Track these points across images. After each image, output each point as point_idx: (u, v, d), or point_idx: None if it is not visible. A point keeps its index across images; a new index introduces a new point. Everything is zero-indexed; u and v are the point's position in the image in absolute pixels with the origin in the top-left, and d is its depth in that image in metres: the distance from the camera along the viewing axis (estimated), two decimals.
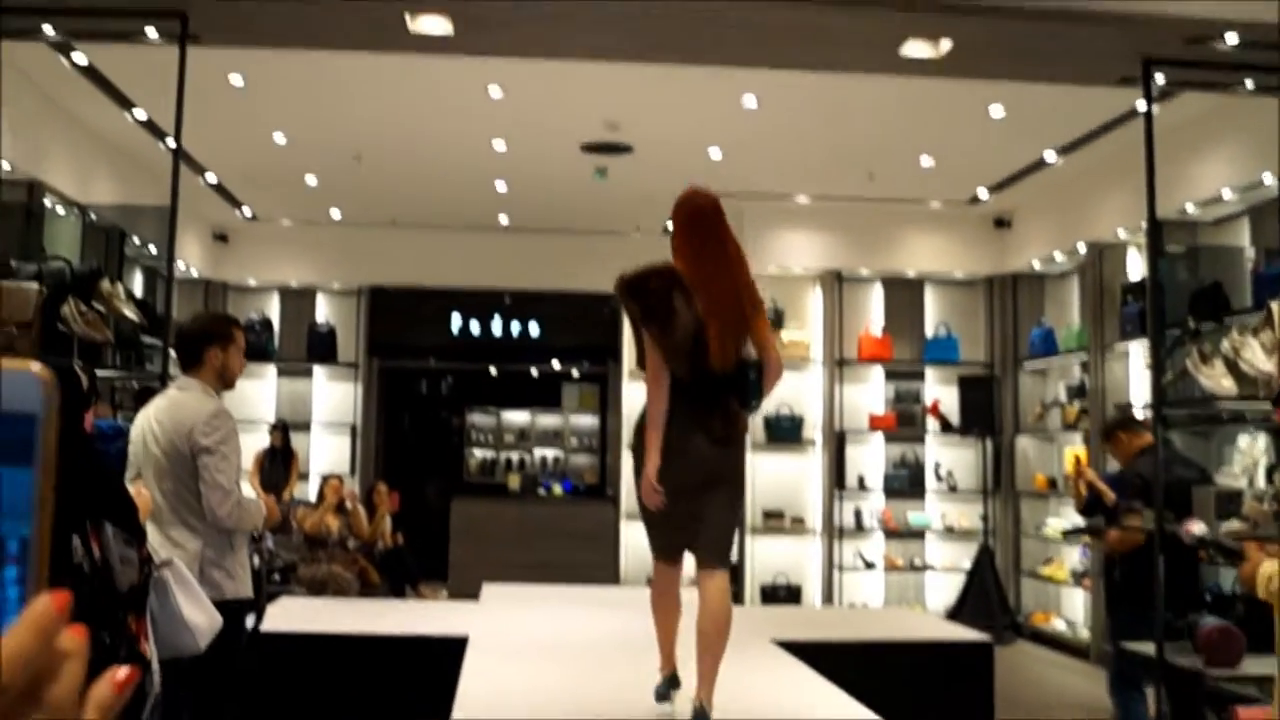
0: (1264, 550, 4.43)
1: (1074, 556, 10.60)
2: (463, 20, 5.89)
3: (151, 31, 5.96)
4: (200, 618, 3.53)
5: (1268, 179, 7.63)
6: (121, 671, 0.69)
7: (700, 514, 4.29)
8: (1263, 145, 7.29)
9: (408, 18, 5.86)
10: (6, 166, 7.47)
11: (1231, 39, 5.87)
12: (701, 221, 4.45)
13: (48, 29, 6.18)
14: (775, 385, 4.44)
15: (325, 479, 9.97)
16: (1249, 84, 6.53)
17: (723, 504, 4.36)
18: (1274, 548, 4.41)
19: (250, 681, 5.34)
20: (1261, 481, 5.84)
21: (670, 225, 4.51)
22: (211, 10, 5.79)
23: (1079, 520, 10.24)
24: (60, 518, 0.70)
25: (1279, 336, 4.92)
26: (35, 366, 0.68)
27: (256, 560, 7.44)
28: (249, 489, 5.48)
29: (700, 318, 4.22)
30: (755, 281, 4.39)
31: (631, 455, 4.61)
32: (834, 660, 5.72)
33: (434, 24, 5.93)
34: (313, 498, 10.38)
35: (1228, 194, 8.11)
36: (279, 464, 11.52)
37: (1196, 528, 5.54)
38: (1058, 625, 10.77)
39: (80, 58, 7.38)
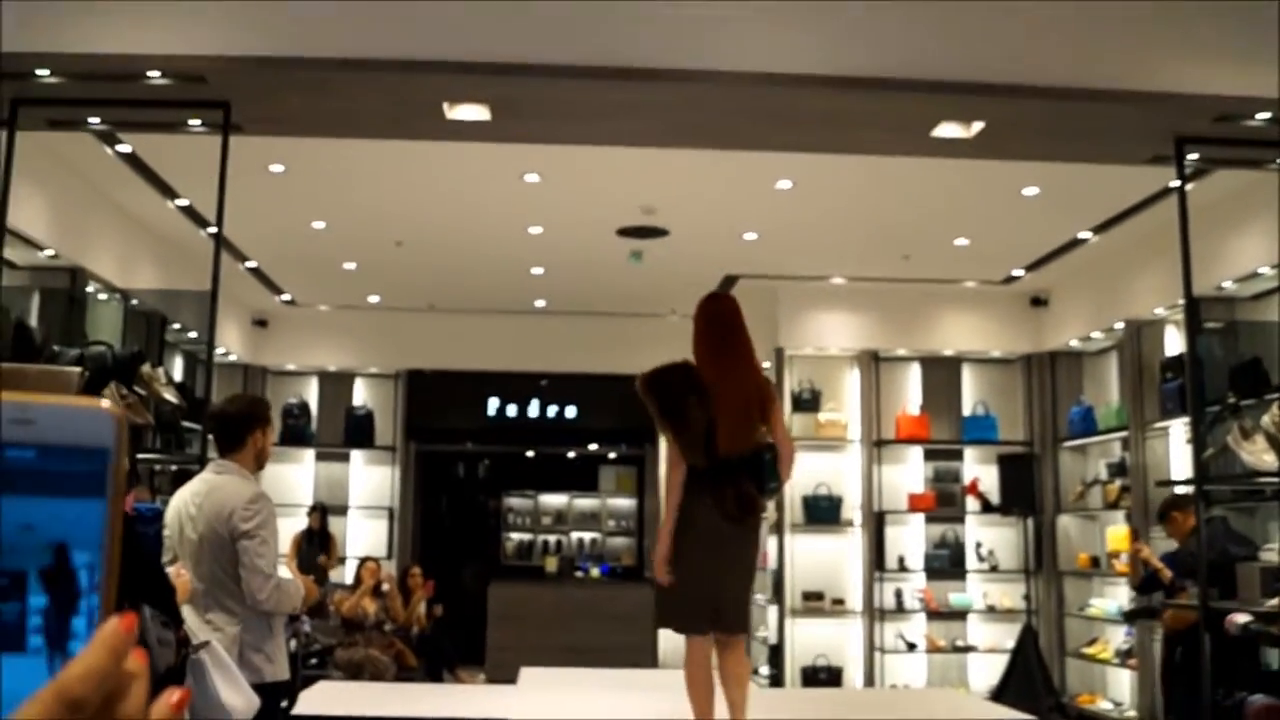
0: None
1: (1119, 636, 10.44)
2: (499, 107, 5.98)
3: (195, 122, 6.09)
4: (237, 700, 3.54)
5: None
6: (176, 694, 0.72)
7: (719, 591, 4.70)
8: None
9: (445, 106, 5.96)
10: (50, 253, 7.63)
11: (1263, 116, 5.89)
12: (720, 323, 4.95)
13: (94, 120, 6.34)
14: (790, 471, 4.90)
15: (362, 562, 10.00)
16: None
17: (739, 580, 4.79)
18: None
19: None
20: None
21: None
22: (254, 101, 5.91)
23: (1124, 600, 10.13)
24: None
25: None
26: (105, 403, 0.72)
27: (293, 643, 7.46)
28: (285, 570, 5.49)
29: (711, 414, 4.68)
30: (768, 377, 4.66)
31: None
32: None
33: (471, 111, 6.02)
34: (349, 580, 10.40)
35: (1265, 269, 8.08)
36: (316, 546, 11.55)
37: (1240, 618, 5.49)
38: (1103, 706, 10.58)
39: (124, 147, 7.54)
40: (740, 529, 4.74)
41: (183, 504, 4.75)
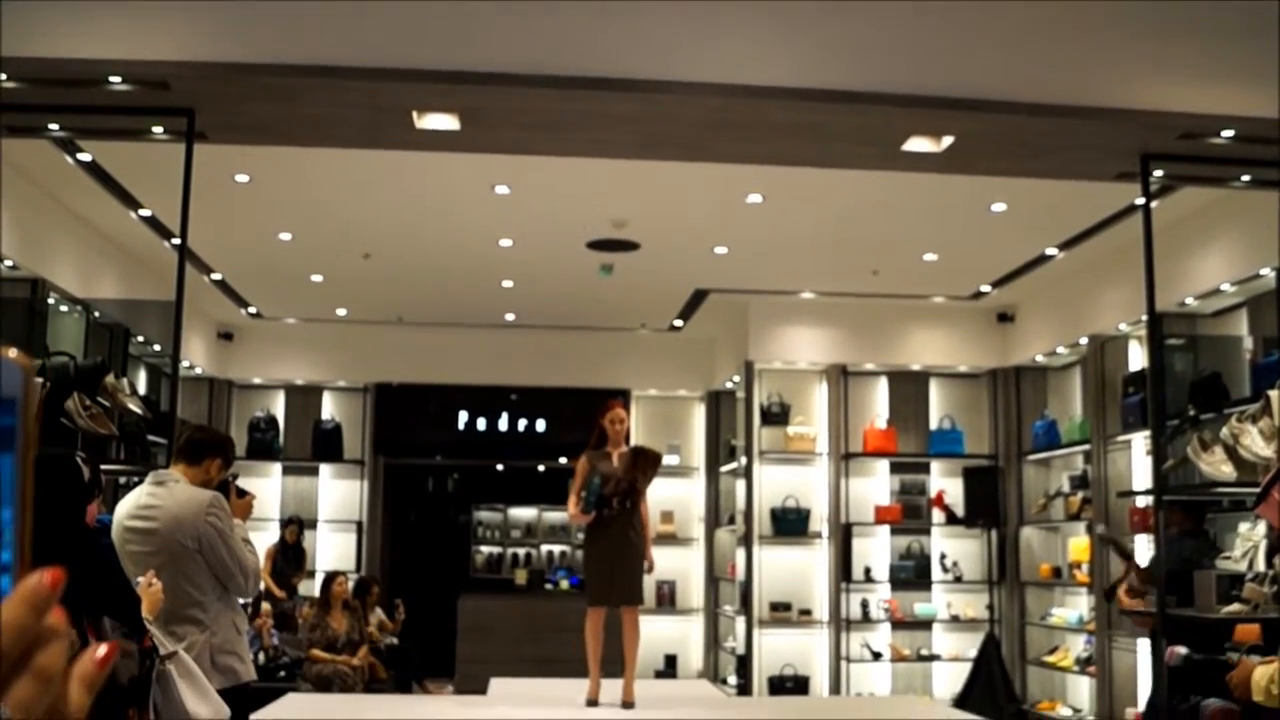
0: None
1: (1079, 645, 10.54)
2: (469, 117, 5.97)
3: (158, 129, 6.02)
4: (204, 710, 3.51)
5: (1265, 271, 7.68)
6: (102, 649, 0.71)
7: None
8: (1260, 238, 7.36)
9: (415, 115, 5.94)
10: (10, 263, 7.49)
11: (1227, 134, 5.94)
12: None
13: (53, 127, 6.23)
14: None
15: (330, 576, 9.93)
16: (1245, 178, 6.60)
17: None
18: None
19: None
20: (1261, 565, 5.83)
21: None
22: (218, 108, 5.86)
23: (1085, 610, 10.19)
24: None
25: (1277, 424, 4.94)
26: (12, 352, 0.70)
27: (261, 656, 7.40)
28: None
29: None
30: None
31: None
32: None
33: (440, 121, 6.01)
34: (317, 593, 10.34)
35: (1226, 286, 8.15)
36: (291, 560, 11.50)
37: (1180, 650, 5.61)
38: (1063, 713, 10.68)
39: (84, 155, 7.36)
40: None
41: (123, 518, 4.68)
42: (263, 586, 8.41)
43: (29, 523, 0.71)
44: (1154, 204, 6.53)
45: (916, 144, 6.26)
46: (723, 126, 6.13)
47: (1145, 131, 6.02)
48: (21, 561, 0.70)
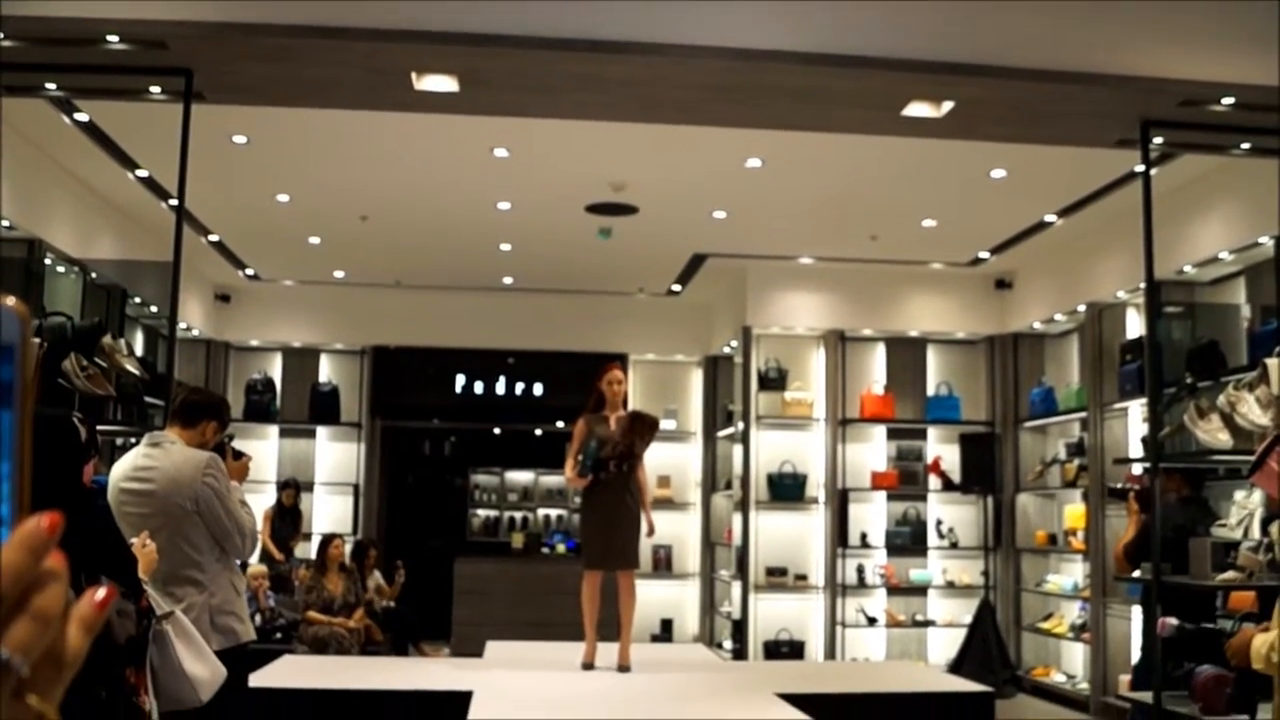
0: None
1: (1074, 611, 10.59)
2: (468, 78, 5.94)
3: (156, 89, 5.99)
4: (201, 670, 3.51)
5: (1264, 239, 7.67)
6: (101, 591, 0.72)
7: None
8: (1259, 206, 7.35)
9: (413, 76, 5.91)
10: (6, 224, 7.45)
11: (1228, 101, 5.93)
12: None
13: (51, 87, 6.20)
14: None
15: (327, 539, 9.94)
16: (1245, 146, 6.59)
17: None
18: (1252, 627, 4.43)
19: None
20: (1256, 532, 5.85)
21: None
22: (216, 68, 5.83)
23: (1080, 577, 10.24)
24: None
25: (1274, 392, 4.95)
26: (9, 299, 0.70)
27: (258, 617, 7.41)
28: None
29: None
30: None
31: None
32: (836, 712, 5.72)
33: (439, 82, 5.98)
34: (313, 556, 10.36)
35: (1225, 254, 8.15)
36: (288, 523, 11.51)
37: (1172, 621, 5.64)
38: (1057, 679, 10.75)
39: (81, 115, 7.33)
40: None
41: (119, 479, 4.68)
42: (260, 547, 8.42)
43: (28, 475, 0.71)
44: (1153, 171, 6.52)
45: (917, 109, 6.24)
46: (722, 90, 6.11)
47: (1145, 98, 6.01)
48: (21, 514, 0.70)
